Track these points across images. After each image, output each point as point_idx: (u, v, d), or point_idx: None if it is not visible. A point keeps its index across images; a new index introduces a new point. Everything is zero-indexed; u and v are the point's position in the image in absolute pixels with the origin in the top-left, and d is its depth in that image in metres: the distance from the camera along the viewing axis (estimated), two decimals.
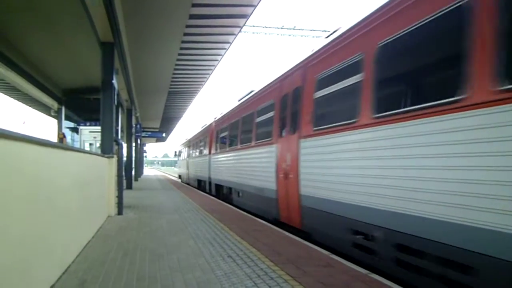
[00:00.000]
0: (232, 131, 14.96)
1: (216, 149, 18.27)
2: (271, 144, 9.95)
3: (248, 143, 12.24)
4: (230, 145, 15.15)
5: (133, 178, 24.08)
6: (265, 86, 11.15)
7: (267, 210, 10.44)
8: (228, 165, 15.32)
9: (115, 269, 5.18)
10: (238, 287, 4.45)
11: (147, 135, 38.91)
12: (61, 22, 11.60)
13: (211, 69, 19.47)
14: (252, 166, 11.65)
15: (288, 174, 8.77)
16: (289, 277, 4.86)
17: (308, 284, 4.55)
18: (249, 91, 13.65)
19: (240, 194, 13.56)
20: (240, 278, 4.82)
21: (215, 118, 19.69)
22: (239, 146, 13.55)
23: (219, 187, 17.80)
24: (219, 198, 16.94)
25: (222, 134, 16.95)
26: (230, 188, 15.41)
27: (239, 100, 14.83)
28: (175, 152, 41.91)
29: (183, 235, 7.72)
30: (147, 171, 76.03)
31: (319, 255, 6.18)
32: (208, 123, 22.13)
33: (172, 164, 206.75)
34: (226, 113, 16.69)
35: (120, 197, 10.76)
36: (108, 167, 10.31)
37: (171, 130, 50.03)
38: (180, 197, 17.36)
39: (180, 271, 5.13)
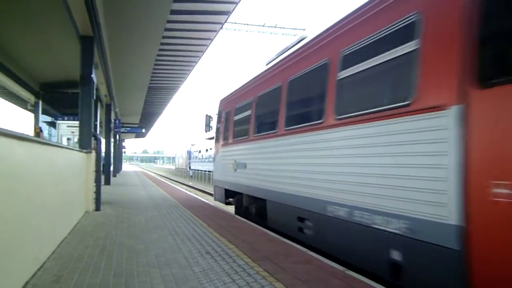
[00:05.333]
0: None
1: None
2: None
3: None
4: None
5: (111, 174, 23.83)
6: None
7: None
8: None
9: (92, 265, 5.13)
10: (216, 283, 4.46)
11: (126, 131, 38.44)
12: (40, 15, 11.37)
13: (192, 66, 19.34)
14: None
15: None
16: (266, 273, 4.90)
17: (286, 281, 4.59)
18: None
19: None
20: (218, 274, 4.84)
21: None
22: None
23: None
24: None
25: None
26: None
27: None
28: (208, 120, 14.91)
29: (162, 232, 7.69)
30: (126, 167, 75.26)
31: (297, 252, 6.23)
32: None
33: (152, 160, 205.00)
34: None
35: (98, 192, 10.64)
36: (86, 162, 10.19)
37: (151, 126, 49.56)
38: (159, 193, 17.26)
39: (157, 267, 5.11)
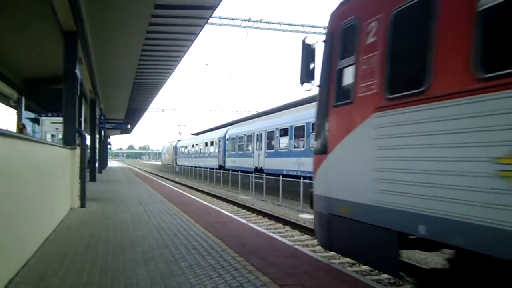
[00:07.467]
0: None
1: None
2: None
3: None
4: None
5: (96, 170, 23.66)
6: None
7: None
8: None
9: (77, 263, 5.10)
10: (203, 279, 4.46)
11: (111, 127, 38.10)
12: (22, 10, 11.20)
13: (178, 60, 19.24)
14: None
15: None
16: (253, 268, 4.91)
17: (272, 274, 4.61)
18: None
19: None
20: (204, 269, 4.84)
21: None
22: None
23: None
24: None
25: None
26: None
27: None
28: (307, 57, 5.83)
29: (148, 228, 7.66)
30: (112, 163, 74.69)
31: (283, 246, 6.27)
32: None
33: (138, 156, 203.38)
34: None
35: (83, 189, 10.55)
36: (71, 158, 10.08)
37: (137, 121, 49.20)
38: (145, 189, 17.19)
39: (143, 263, 5.09)
